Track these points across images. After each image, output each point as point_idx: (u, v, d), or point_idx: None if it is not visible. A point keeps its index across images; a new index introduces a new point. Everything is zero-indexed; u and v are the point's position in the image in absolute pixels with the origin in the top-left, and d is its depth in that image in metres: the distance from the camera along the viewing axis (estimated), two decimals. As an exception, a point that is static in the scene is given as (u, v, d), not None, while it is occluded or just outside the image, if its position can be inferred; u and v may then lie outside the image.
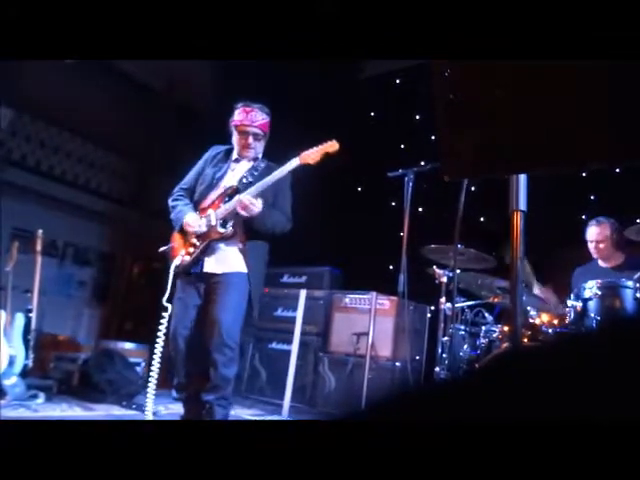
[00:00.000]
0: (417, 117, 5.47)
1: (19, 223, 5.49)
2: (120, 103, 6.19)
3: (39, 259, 3.30)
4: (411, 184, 2.53)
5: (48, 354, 3.69)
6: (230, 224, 2.44)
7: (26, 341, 3.06)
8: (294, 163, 2.38)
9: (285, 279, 4.23)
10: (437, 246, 2.66)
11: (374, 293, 3.61)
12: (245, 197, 2.36)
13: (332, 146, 2.39)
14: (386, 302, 3.64)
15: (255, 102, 2.60)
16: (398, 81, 5.70)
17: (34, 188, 5.86)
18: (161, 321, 2.43)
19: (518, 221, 0.99)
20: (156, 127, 6.44)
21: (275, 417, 3.48)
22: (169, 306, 2.43)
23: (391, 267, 4.78)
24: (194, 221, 2.48)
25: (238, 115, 2.59)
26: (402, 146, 5.49)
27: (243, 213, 2.37)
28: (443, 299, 2.70)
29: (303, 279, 4.13)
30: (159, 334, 2.42)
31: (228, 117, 2.66)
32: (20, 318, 3.10)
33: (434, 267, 2.77)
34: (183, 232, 2.53)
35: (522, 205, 0.99)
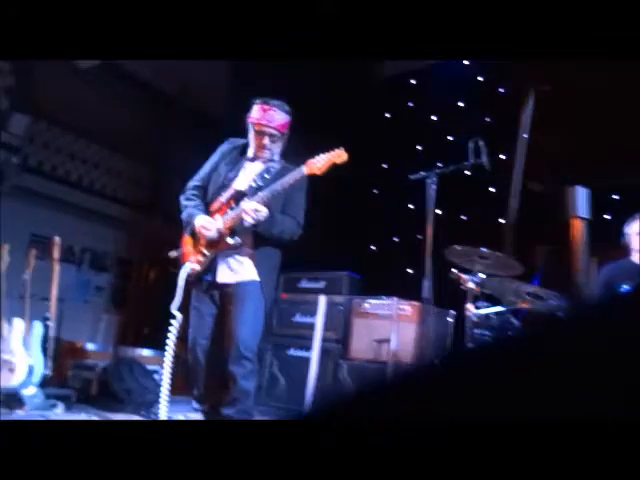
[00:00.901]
0: (433, 118, 5.37)
1: (37, 229, 5.51)
2: (135, 108, 6.20)
3: (57, 266, 3.28)
4: (434, 186, 2.45)
5: (66, 362, 3.67)
6: (238, 236, 2.37)
7: (44, 350, 3.04)
8: (300, 173, 2.29)
9: (303, 284, 4.16)
10: (463, 247, 2.57)
11: (395, 299, 3.52)
12: (249, 205, 2.29)
13: (339, 156, 2.28)
14: (408, 308, 3.56)
15: (275, 99, 2.49)
16: (414, 82, 5.61)
17: (51, 194, 5.88)
18: (170, 329, 2.37)
19: (578, 228, 0.91)
20: (171, 131, 6.43)
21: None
22: (177, 314, 2.36)
23: (409, 270, 4.71)
24: (206, 224, 2.40)
25: (255, 112, 2.47)
26: (419, 147, 5.40)
27: (248, 220, 2.29)
28: (469, 304, 2.61)
29: (321, 284, 4.06)
30: (168, 342, 2.36)
31: (244, 117, 2.55)
32: (38, 327, 3.08)
33: (457, 271, 2.68)
34: (193, 235, 2.47)
35: (583, 211, 0.91)
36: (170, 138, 6.43)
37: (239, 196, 2.41)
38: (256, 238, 2.41)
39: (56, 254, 3.30)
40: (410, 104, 5.45)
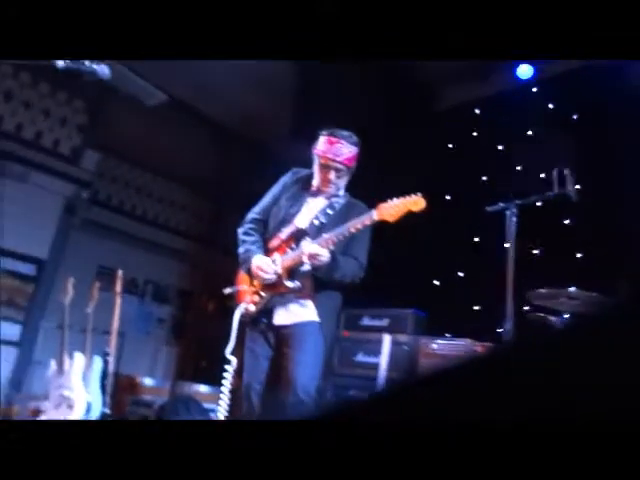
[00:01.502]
0: (500, 148, 5.14)
1: (104, 262, 5.65)
2: (199, 143, 6.34)
3: (119, 300, 3.27)
4: (514, 219, 2.23)
5: (124, 398, 3.63)
6: (297, 279, 2.22)
7: (103, 387, 3.00)
8: (370, 218, 2.10)
9: (365, 322, 3.96)
10: (549, 290, 2.31)
11: (469, 340, 3.25)
12: (310, 248, 2.13)
13: (417, 203, 2.06)
14: (481, 350, 3.28)
15: (342, 130, 2.36)
16: (477, 111, 5.43)
17: (117, 227, 6.06)
18: (224, 375, 2.23)
19: None
20: (234, 165, 6.52)
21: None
22: (233, 359, 2.23)
23: (476, 308, 4.42)
24: (264, 265, 2.26)
25: (322, 145, 2.34)
26: (484, 178, 5.17)
27: (308, 263, 2.15)
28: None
29: (385, 322, 3.85)
30: (223, 389, 2.22)
31: (307, 148, 2.44)
32: (98, 362, 3.06)
33: (541, 314, 2.42)
34: (250, 274, 2.34)
35: None
36: (233, 172, 6.51)
37: (300, 235, 2.27)
38: (316, 281, 2.26)
39: (118, 287, 3.29)
40: (475, 134, 5.25)
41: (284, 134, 5.36)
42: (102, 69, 1.71)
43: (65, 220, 5.42)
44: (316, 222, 2.29)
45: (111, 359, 3.03)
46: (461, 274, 4.73)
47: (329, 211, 2.32)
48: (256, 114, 5.87)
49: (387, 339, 3.39)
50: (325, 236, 2.15)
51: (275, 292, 2.27)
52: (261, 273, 2.26)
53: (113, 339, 3.10)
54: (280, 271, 2.23)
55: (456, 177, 5.07)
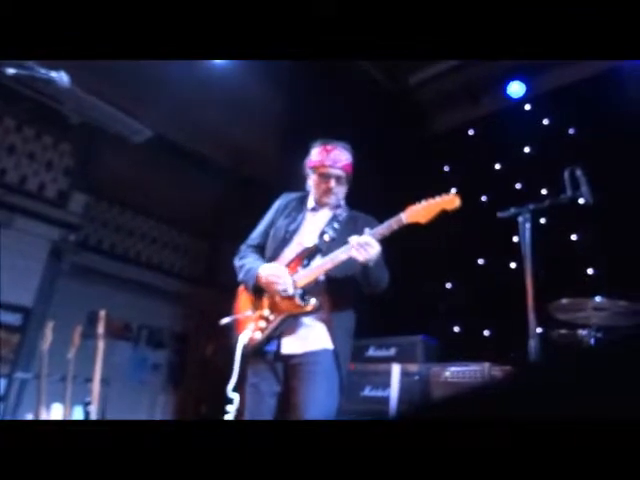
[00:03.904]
0: (497, 167, 5.05)
1: (94, 307, 5.40)
2: (189, 180, 6.21)
3: (101, 344, 2.99)
4: (528, 225, 2.02)
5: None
6: (313, 297, 1.98)
7: (84, 439, 2.71)
8: (398, 222, 1.90)
9: (371, 352, 3.69)
10: (572, 300, 2.07)
11: (486, 364, 2.99)
12: (360, 238, 1.88)
13: (452, 202, 1.87)
14: (500, 374, 3.01)
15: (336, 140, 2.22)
16: (471, 132, 5.37)
17: (108, 271, 5.85)
18: (225, 418, 1.93)
19: None
20: (226, 203, 6.38)
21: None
22: (236, 396, 1.94)
23: (487, 332, 4.19)
24: (276, 271, 2.01)
25: (317, 155, 2.19)
26: (484, 198, 5.05)
27: (359, 258, 1.88)
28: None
29: (392, 351, 3.58)
30: None
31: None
32: (78, 413, 2.78)
33: (565, 330, 2.17)
34: (255, 294, 2.09)
35: None
36: (226, 209, 6.37)
37: (311, 251, 2.06)
38: (333, 299, 2.02)
39: (101, 329, 3.02)
40: (470, 155, 5.17)
41: (274, 165, 5.23)
42: (60, 77, 1.56)
43: (52, 265, 5.21)
44: (326, 237, 2.09)
45: (93, 409, 2.74)
46: (467, 297, 4.53)
47: (335, 225, 2.13)
48: (249, 149, 5.77)
49: (396, 369, 3.12)
50: (377, 229, 1.92)
51: (288, 313, 2.01)
52: (275, 280, 2.01)
53: (96, 386, 2.81)
54: (291, 292, 1.98)
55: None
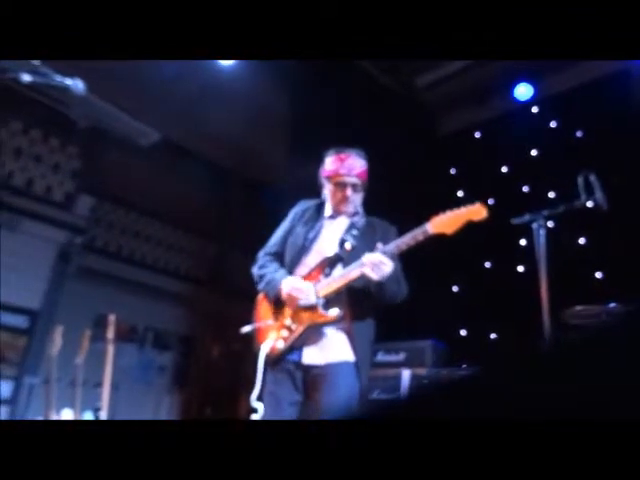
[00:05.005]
0: (504, 169, 5.02)
1: (101, 310, 5.40)
2: (196, 183, 6.21)
3: (111, 348, 2.98)
4: (542, 231, 2.01)
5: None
6: (336, 306, 1.97)
7: (94, 445, 2.71)
8: (423, 233, 1.89)
9: (379, 357, 3.68)
10: (587, 307, 2.07)
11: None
12: (372, 257, 1.89)
13: (479, 212, 1.86)
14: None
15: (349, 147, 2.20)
16: (478, 135, 5.34)
17: (115, 273, 5.85)
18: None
19: None
20: (232, 206, 6.38)
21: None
22: (260, 406, 1.94)
23: (493, 336, 4.17)
24: (299, 285, 2.01)
25: (332, 164, 2.17)
26: (490, 201, 5.03)
27: (373, 277, 1.89)
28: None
29: (401, 356, 3.57)
30: None
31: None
32: (88, 418, 2.78)
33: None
34: (277, 304, 2.08)
35: None
36: (232, 212, 6.36)
37: (333, 259, 2.05)
38: (355, 309, 2.01)
39: (110, 334, 3.01)
40: (476, 158, 5.14)
41: (284, 169, 5.23)
42: (76, 84, 1.55)
43: (59, 268, 5.21)
44: (347, 246, 2.08)
45: (103, 414, 2.73)
46: (473, 300, 4.51)
47: (354, 232, 2.12)
48: (254, 151, 5.76)
49: (406, 374, 3.10)
50: (391, 245, 1.93)
51: (311, 323, 2.00)
52: (297, 295, 2.00)
53: (106, 392, 2.81)
54: (313, 301, 1.98)
55: (462, 202, 4.91)
